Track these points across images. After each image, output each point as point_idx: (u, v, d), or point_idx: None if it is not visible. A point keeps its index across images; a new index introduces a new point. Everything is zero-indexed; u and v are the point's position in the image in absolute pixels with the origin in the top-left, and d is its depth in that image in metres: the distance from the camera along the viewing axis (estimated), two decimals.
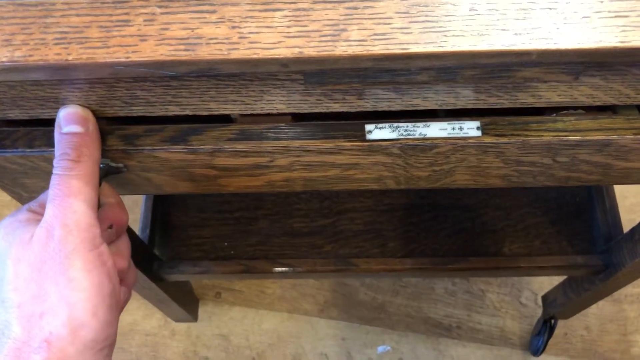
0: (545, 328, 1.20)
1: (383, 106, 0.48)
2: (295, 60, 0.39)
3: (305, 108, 0.48)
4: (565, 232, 1.00)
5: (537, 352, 1.20)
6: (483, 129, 0.49)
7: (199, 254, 0.98)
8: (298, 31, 0.39)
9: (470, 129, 0.48)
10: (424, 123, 0.49)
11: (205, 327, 1.34)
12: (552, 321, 1.20)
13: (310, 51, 0.39)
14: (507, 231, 1.00)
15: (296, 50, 0.39)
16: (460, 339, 1.31)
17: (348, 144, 0.49)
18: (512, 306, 1.32)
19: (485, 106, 0.48)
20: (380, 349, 1.31)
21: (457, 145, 0.49)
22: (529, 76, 0.41)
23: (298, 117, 0.51)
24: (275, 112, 0.48)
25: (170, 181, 0.54)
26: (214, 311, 1.35)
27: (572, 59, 0.39)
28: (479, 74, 0.41)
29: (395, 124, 0.49)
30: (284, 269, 0.95)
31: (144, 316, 1.34)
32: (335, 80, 0.41)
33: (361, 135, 0.49)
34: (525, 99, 0.47)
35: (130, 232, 0.86)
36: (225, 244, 0.99)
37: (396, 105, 0.48)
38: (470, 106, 0.48)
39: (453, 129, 0.48)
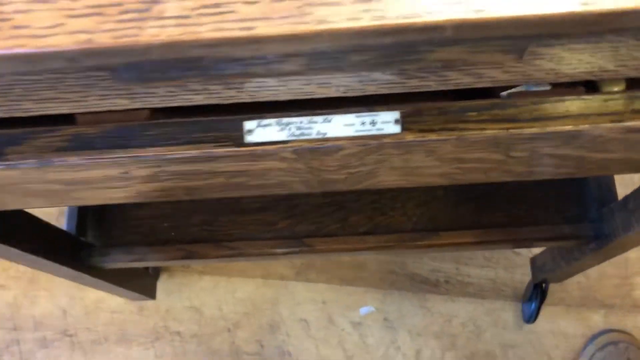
0: (536, 293, 1.09)
1: (265, 96, 0.35)
2: (81, 52, 0.25)
3: (155, 102, 0.34)
4: (553, 196, 0.86)
5: (530, 318, 1.09)
6: (404, 122, 0.35)
7: (135, 238, 0.86)
8: (87, 6, 0.25)
9: (385, 123, 0.35)
10: (323, 117, 0.35)
11: (175, 300, 1.24)
12: (544, 285, 1.08)
13: (104, 38, 0.25)
14: (486, 198, 0.87)
15: (82, 37, 0.25)
16: (449, 294, 1.20)
17: (220, 150, 0.36)
18: (503, 255, 1.20)
19: (406, 90, 0.34)
20: (364, 310, 1.21)
21: (370, 146, 0.35)
22: (448, 58, 0.27)
23: (161, 110, 0.37)
24: (118, 108, 0.35)
25: (12, 198, 0.41)
26: (183, 282, 1.25)
27: (509, 32, 0.26)
28: (373, 59, 0.27)
29: (284, 120, 0.35)
30: (229, 252, 0.83)
31: (109, 293, 1.24)
32: (158, 76, 0.28)
33: (239, 137, 0.36)
34: (459, 79, 0.34)
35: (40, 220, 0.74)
36: (166, 224, 0.87)
37: (283, 95, 0.34)
38: (384, 91, 0.35)
39: (363, 124, 0.35)
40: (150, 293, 1.15)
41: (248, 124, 0.36)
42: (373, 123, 0.35)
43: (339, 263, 1.21)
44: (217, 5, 0.25)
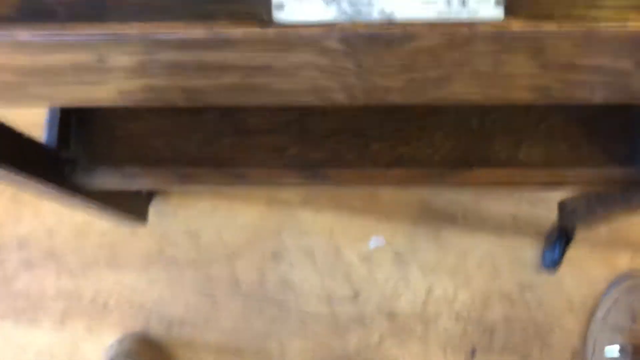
0: (561, 239, 0.99)
1: None
2: None
3: None
4: (601, 134, 0.75)
5: (551, 266, 1.00)
6: (508, 3, 0.24)
7: (126, 155, 0.75)
8: None
9: (481, 2, 0.23)
10: None
11: (171, 223, 1.14)
12: (570, 230, 0.99)
13: None
14: (525, 131, 0.76)
15: None
16: (466, 228, 1.10)
17: (237, 31, 0.24)
18: None
19: None
20: (373, 242, 1.11)
21: (456, 37, 0.24)
22: None
23: None
24: None
25: None
26: (179, 204, 1.14)
27: None
28: None
29: None
30: (233, 179, 0.73)
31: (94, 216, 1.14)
32: None
33: (264, 14, 0.24)
34: None
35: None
36: (160, 141, 0.76)
37: None
38: None
39: (448, 2, 0.23)
40: (142, 216, 1.05)
41: None
42: (463, 2, 0.23)
43: (349, 191, 1.10)
44: None
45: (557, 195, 1.05)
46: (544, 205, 1.09)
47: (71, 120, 0.75)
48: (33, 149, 0.65)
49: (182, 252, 1.14)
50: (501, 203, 1.10)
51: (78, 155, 0.74)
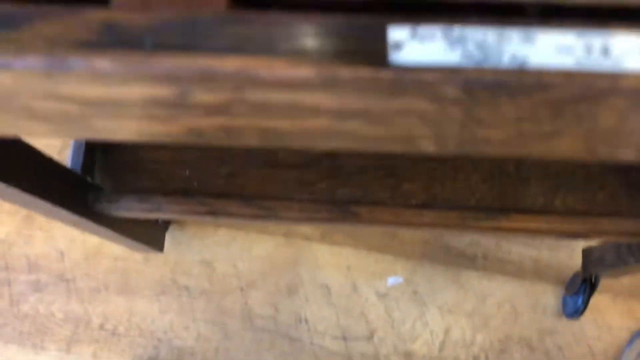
0: (585, 287, 0.95)
1: None
2: None
3: None
4: (639, 183, 0.72)
5: (574, 314, 0.96)
6: None
7: (151, 184, 0.72)
8: None
9: (627, 52, 0.20)
10: (523, 31, 0.20)
11: (185, 252, 1.10)
12: (594, 279, 0.95)
13: None
14: (562, 178, 0.73)
15: None
16: (486, 270, 1.06)
17: (346, 71, 0.21)
18: None
19: None
20: (391, 280, 1.07)
21: (595, 88, 0.21)
22: None
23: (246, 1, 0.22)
24: None
25: (2, 119, 0.26)
26: (195, 233, 1.11)
27: None
28: None
29: (456, 30, 0.20)
30: (261, 212, 0.69)
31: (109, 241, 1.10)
32: None
33: (378, 52, 0.21)
34: None
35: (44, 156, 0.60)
36: (187, 172, 0.72)
37: None
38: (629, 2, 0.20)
39: (588, 49, 0.20)
40: (158, 245, 1.01)
41: (396, 33, 0.20)
42: (605, 51, 0.20)
43: (373, 229, 1.07)
44: None
45: (580, 242, 1.02)
46: (565, 250, 1.06)
47: (97, 147, 0.72)
48: (58, 174, 0.61)
49: (195, 282, 1.10)
50: (522, 246, 1.06)
51: (102, 182, 0.71)
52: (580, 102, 0.22)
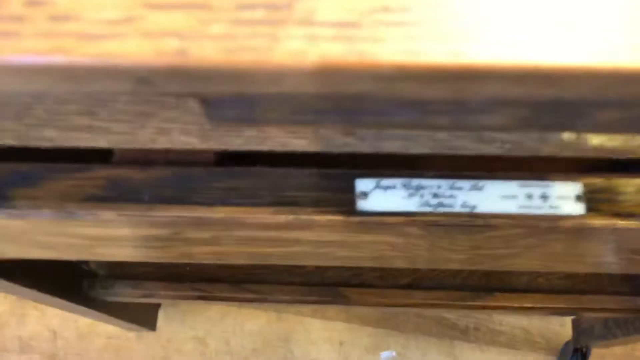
0: (576, 357, 0.97)
1: (391, 148, 0.23)
2: (167, 72, 0.14)
3: (236, 144, 0.23)
4: None
5: None
6: (588, 199, 0.24)
7: (145, 270, 0.74)
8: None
9: (562, 199, 0.24)
10: (471, 182, 0.24)
11: (178, 329, 1.11)
12: (585, 349, 0.97)
13: (209, 49, 0.14)
14: None
15: (170, 45, 0.14)
16: (478, 342, 1.08)
17: (321, 219, 0.24)
18: None
19: (599, 154, 0.23)
20: (385, 355, 1.08)
21: (537, 229, 0.24)
22: None
23: (232, 155, 0.26)
24: (181, 146, 0.24)
25: (14, 248, 0.30)
26: (188, 310, 1.12)
27: None
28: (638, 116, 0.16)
29: (414, 182, 0.24)
30: (251, 295, 0.71)
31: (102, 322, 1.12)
32: (276, 117, 0.16)
33: (347, 201, 0.24)
34: None
35: None
36: None
37: (414, 147, 0.23)
38: (566, 154, 0.23)
39: (529, 197, 0.24)
40: (151, 324, 1.02)
41: (362, 184, 0.24)
42: (544, 197, 0.24)
43: (369, 310, 1.09)
44: (404, 10, 0.14)
45: None
46: (557, 319, 1.08)
47: None
48: (53, 262, 0.64)
49: (188, 359, 1.10)
50: (513, 317, 1.08)
51: (97, 268, 0.73)
52: (528, 238, 0.25)
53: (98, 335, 1.11)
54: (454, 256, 0.29)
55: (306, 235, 0.26)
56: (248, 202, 0.24)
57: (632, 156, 0.24)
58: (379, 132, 0.22)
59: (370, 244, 0.27)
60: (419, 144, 0.23)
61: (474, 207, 0.24)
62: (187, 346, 1.11)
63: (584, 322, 0.93)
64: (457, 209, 0.24)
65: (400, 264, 0.30)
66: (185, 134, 0.22)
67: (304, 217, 0.24)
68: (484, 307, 0.70)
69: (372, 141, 0.23)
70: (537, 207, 0.24)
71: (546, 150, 0.23)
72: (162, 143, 0.24)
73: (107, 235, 0.27)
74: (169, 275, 0.73)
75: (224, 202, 0.24)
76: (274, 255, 0.29)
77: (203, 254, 0.29)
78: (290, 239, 0.26)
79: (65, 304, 0.67)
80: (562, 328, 1.06)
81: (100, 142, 0.23)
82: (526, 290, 0.72)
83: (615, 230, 0.24)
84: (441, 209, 0.24)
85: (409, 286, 0.72)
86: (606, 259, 0.28)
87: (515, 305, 0.70)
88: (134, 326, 0.92)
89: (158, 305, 1.06)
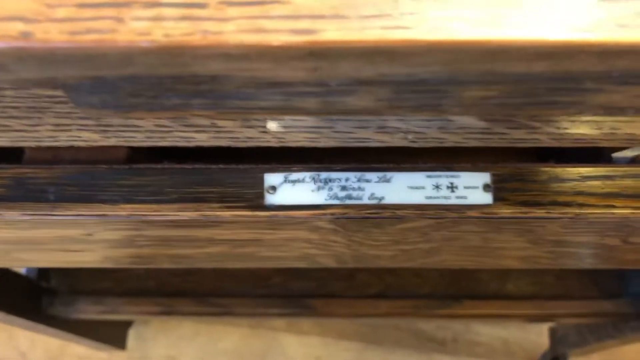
0: None
1: (297, 140, 0.23)
2: (14, 55, 0.14)
3: (137, 140, 0.23)
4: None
5: None
6: (496, 189, 0.24)
7: (107, 285, 0.74)
8: None
9: (470, 188, 0.24)
10: (379, 174, 0.24)
11: (150, 348, 1.10)
12: (562, 358, 0.97)
13: (54, 33, 0.14)
14: None
15: (16, 27, 0.14)
16: (457, 354, 1.07)
17: (228, 214, 0.24)
18: None
19: (503, 144, 0.24)
20: None
21: (445, 220, 0.24)
22: (618, 102, 0.17)
23: (144, 149, 0.26)
24: (84, 143, 0.24)
25: None
26: (160, 328, 1.11)
27: None
28: (501, 96, 0.17)
29: (323, 175, 0.24)
30: (216, 309, 0.71)
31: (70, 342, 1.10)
32: (143, 102, 0.17)
33: (256, 197, 0.25)
34: (583, 134, 0.23)
35: None
36: (143, 271, 0.74)
37: (322, 140, 0.23)
38: (471, 144, 0.24)
39: (437, 187, 0.24)
40: (120, 343, 1.01)
41: (271, 178, 0.24)
42: (452, 188, 0.24)
43: (336, 321, 1.09)
44: None
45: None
46: (535, 329, 1.08)
47: None
48: (11, 281, 0.64)
49: None
50: (491, 327, 1.08)
51: (58, 285, 0.73)
52: (441, 229, 0.25)
53: (69, 356, 1.09)
54: (378, 252, 0.29)
55: (218, 234, 0.26)
56: (153, 200, 0.24)
57: (540, 145, 0.24)
58: (282, 122, 0.22)
59: (288, 241, 0.27)
60: (324, 136, 0.23)
61: (381, 198, 0.24)
62: None
63: (560, 331, 0.93)
64: (365, 201, 0.24)
65: (329, 262, 0.30)
66: (84, 129, 0.23)
67: (209, 213, 0.24)
68: (453, 315, 0.70)
69: (275, 134, 0.23)
70: (445, 198, 0.24)
71: (451, 140, 0.24)
72: (64, 140, 0.24)
73: (20, 238, 0.27)
74: (131, 290, 0.73)
75: (129, 200, 0.24)
76: (195, 257, 0.29)
77: (125, 257, 0.29)
78: (203, 238, 0.26)
79: (25, 322, 0.67)
80: (540, 338, 1.06)
81: (2, 140, 0.24)
82: (495, 297, 0.72)
83: (525, 220, 0.24)
84: (349, 201, 0.24)
85: (377, 296, 0.72)
86: (531, 253, 0.28)
87: (484, 312, 0.70)
88: (102, 345, 0.91)
89: (128, 324, 1.05)
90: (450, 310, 0.69)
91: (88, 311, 0.69)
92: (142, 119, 0.19)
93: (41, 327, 0.70)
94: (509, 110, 0.17)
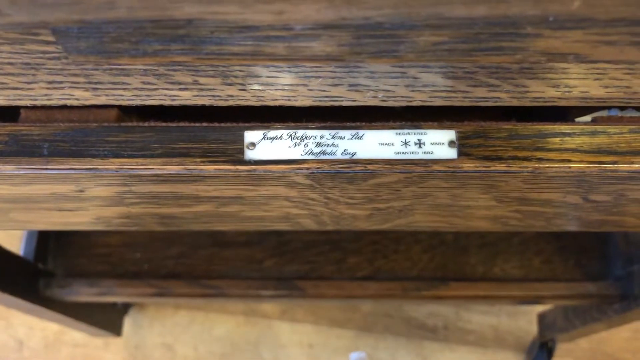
0: (542, 352, 0.98)
1: (275, 98, 0.25)
2: None
3: (125, 98, 0.25)
4: (573, 248, 0.77)
5: None
6: (460, 145, 0.26)
7: (102, 268, 0.75)
8: None
9: (436, 145, 0.26)
10: (352, 131, 0.26)
11: (146, 335, 1.12)
12: (551, 343, 0.98)
13: None
14: (499, 245, 0.78)
15: None
16: (448, 341, 1.09)
17: (210, 168, 0.26)
18: None
19: (466, 103, 0.25)
20: (354, 356, 1.09)
21: (413, 174, 0.26)
22: (558, 48, 0.18)
23: (134, 110, 0.28)
24: (76, 102, 0.25)
25: None
26: (156, 316, 1.13)
27: None
28: (450, 42, 0.18)
29: (299, 132, 0.26)
30: (208, 290, 0.73)
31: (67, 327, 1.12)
32: (126, 48, 0.18)
33: (236, 152, 0.26)
34: (541, 92, 0.25)
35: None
36: (138, 255, 0.76)
37: (299, 99, 0.25)
38: (436, 102, 0.25)
39: (405, 144, 0.26)
40: (116, 329, 1.03)
41: (250, 135, 0.26)
42: (419, 144, 0.25)
43: (327, 303, 1.10)
44: None
45: (537, 308, 1.06)
46: (525, 317, 1.10)
47: (50, 233, 0.76)
48: (8, 262, 0.65)
49: None
50: (481, 315, 1.10)
51: (55, 268, 0.74)
52: (410, 185, 0.27)
53: (65, 343, 1.11)
54: (355, 212, 0.31)
55: (202, 190, 0.28)
56: (140, 154, 0.26)
57: (501, 103, 0.26)
58: (259, 80, 0.24)
59: (269, 200, 0.29)
60: (299, 94, 0.25)
61: (354, 154, 0.26)
62: (155, 353, 1.12)
63: (548, 316, 0.95)
64: (339, 156, 0.25)
65: (310, 224, 0.32)
66: (76, 87, 0.24)
67: (192, 167, 0.25)
68: (440, 297, 0.72)
69: (255, 93, 0.25)
70: (413, 153, 0.26)
71: (418, 98, 0.25)
72: (57, 99, 0.25)
73: (16, 196, 0.28)
74: (126, 273, 0.74)
75: (117, 155, 0.25)
76: (183, 218, 0.31)
77: (113, 218, 0.31)
78: (188, 194, 0.28)
79: (22, 303, 0.68)
80: (530, 325, 1.08)
81: None
82: (481, 279, 0.74)
83: (488, 174, 0.26)
84: (324, 157, 0.25)
85: (367, 278, 0.74)
86: (498, 212, 0.30)
87: (470, 293, 0.72)
88: (99, 331, 0.93)
89: (125, 311, 1.07)
90: (437, 291, 0.71)
91: (84, 293, 0.70)
92: (127, 65, 0.21)
93: (38, 308, 0.71)
94: (460, 56, 0.18)
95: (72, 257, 0.75)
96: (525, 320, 1.09)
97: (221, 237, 0.77)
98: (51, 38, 0.20)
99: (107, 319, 0.97)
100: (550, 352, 0.97)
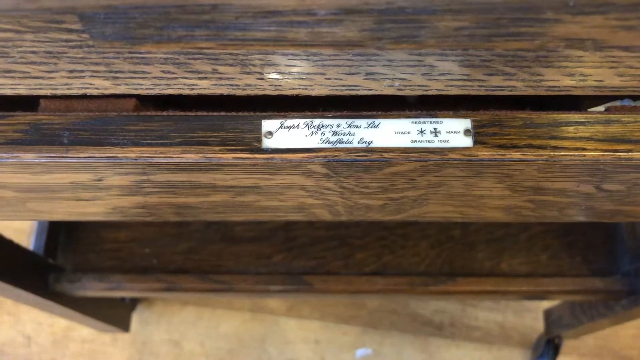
0: (548, 349, 0.98)
1: (292, 87, 0.25)
2: None
3: (145, 87, 0.25)
4: (580, 244, 0.77)
5: None
6: (476, 133, 0.26)
7: (112, 263, 0.76)
8: None
9: (452, 133, 0.26)
10: (368, 120, 0.26)
11: (153, 332, 1.12)
12: (557, 340, 0.98)
13: None
14: (506, 241, 0.78)
15: None
16: (454, 338, 1.09)
17: (228, 156, 0.26)
18: None
19: (482, 92, 0.26)
20: (360, 352, 1.09)
21: (429, 162, 0.26)
22: (577, 34, 0.19)
23: (151, 101, 0.28)
24: (96, 92, 0.26)
25: None
26: (163, 312, 1.13)
27: None
28: (470, 27, 0.18)
29: (316, 121, 0.26)
30: (216, 285, 0.73)
31: (75, 322, 1.13)
32: (151, 33, 0.18)
33: (254, 141, 0.27)
34: (556, 80, 0.25)
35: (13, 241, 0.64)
36: (147, 250, 0.76)
37: (316, 87, 0.25)
38: (453, 92, 0.26)
39: (421, 132, 0.26)
40: (124, 325, 1.03)
41: (268, 124, 0.26)
42: (435, 132, 0.26)
43: (334, 299, 1.11)
44: None
45: (543, 304, 1.06)
46: (531, 314, 1.10)
47: (60, 228, 0.76)
48: (19, 256, 0.66)
49: None
50: (487, 312, 1.10)
51: (64, 263, 0.75)
52: (426, 173, 0.27)
53: (73, 340, 1.11)
54: (369, 202, 0.31)
55: (220, 179, 0.28)
56: (159, 143, 0.26)
57: (516, 93, 0.26)
58: (278, 69, 0.24)
59: (285, 189, 0.29)
60: (317, 83, 0.25)
61: (370, 142, 0.26)
62: (162, 349, 1.12)
63: (554, 313, 0.95)
64: (355, 145, 0.26)
65: (324, 214, 0.32)
66: (96, 76, 0.24)
67: (210, 155, 0.26)
68: (447, 292, 0.72)
69: (272, 82, 0.25)
70: (429, 142, 0.26)
71: (434, 87, 0.26)
72: (77, 88, 0.26)
73: (35, 184, 0.29)
74: (135, 268, 0.75)
75: (137, 143, 0.26)
76: (199, 208, 0.31)
77: (132, 207, 0.31)
78: (205, 183, 0.28)
79: (31, 297, 0.69)
80: (535, 322, 1.08)
81: (21, 88, 0.26)
82: (488, 275, 0.74)
83: (503, 162, 0.26)
84: (340, 145, 0.26)
85: (374, 273, 0.74)
86: (511, 202, 0.30)
87: (478, 289, 0.72)
88: (107, 326, 0.93)
89: (132, 307, 1.07)
90: (444, 286, 0.71)
91: (94, 288, 0.71)
92: (149, 54, 0.21)
93: (48, 303, 0.71)
94: (479, 42, 0.19)
95: (81, 253, 0.76)
96: (531, 317, 1.09)
97: (230, 232, 0.77)
98: (74, 26, 0.20)
99: (115, 315, 0.97)
100: (556, 348, 0.97)
